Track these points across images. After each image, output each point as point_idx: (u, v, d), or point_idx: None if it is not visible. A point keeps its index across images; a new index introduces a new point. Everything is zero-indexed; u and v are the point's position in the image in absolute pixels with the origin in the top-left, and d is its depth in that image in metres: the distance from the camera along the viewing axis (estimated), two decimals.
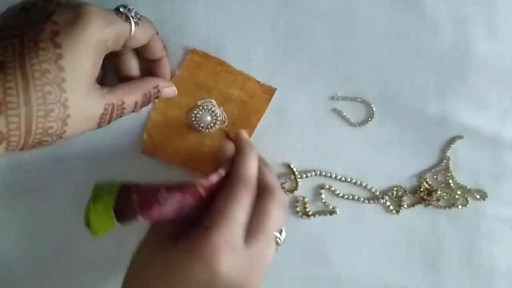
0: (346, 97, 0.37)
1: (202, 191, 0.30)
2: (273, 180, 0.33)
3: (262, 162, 0.34)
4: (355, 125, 0.37)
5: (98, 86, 0.29)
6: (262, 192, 0.31)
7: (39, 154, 0.37)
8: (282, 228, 0.31)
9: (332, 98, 0.37)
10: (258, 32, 0.36)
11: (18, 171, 0.37)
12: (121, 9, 0.30)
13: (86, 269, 0.38)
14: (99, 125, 0.30)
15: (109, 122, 0.30)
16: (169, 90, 0.35)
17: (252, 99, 0.37)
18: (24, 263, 0.38)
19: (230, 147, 0.33)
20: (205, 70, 0.36)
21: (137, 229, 0.31)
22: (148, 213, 0.29)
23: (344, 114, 0.37)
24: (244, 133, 0.35)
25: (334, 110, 0.37)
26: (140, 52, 0.34)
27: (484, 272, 0.39)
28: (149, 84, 0.33)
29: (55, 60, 0.26)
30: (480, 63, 0.37)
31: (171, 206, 0.29)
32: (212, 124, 0.37)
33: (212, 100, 0.37)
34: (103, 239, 0.32)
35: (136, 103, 0.32)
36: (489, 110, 0.37)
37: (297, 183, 0.38)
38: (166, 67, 0.35)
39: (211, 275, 0.27)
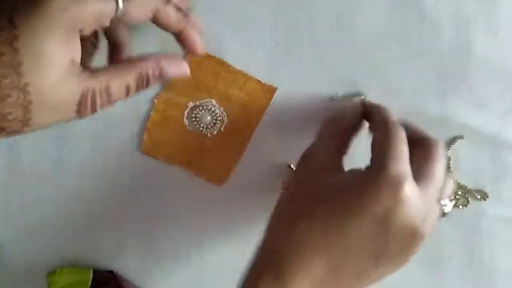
0: (346, 97, 0.37)
1: None
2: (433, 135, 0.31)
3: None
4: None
5: (76, 69, 0.26)
6: (424, 140, 0.30)
7: (38, 154, 0.37)
8: (452, 199, 0.31)
9: (332, 98, 0.37)
10: (258, 31, 0.36)
11: (15, 171, 0.37)
12: None
13: None
14: (79, 114, 0.27)
15: (93, 110, 0.27)
16: (176, 69, 0.29)
17: (253, 99, 0.37)
18: None
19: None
20: (205, 70, 0.36)
21: None
22: None
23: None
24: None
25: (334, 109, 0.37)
26: (159, 26, 0.29)
27: (485, 272, 0.38)
28: (145, 64, 0.28)
29: (9, 42, 0.24)
30: (480, 63, 0.37)
31: None
32: (212, 124, 0.37)
33: (212, 100, 0.37)
34: None
35: (127, 86, 0.27)
36: (489, 110, 0.37)
37: None
38: (190, 40, 0.30)
39: (396, 200, 0.26)
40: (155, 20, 0.28)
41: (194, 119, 0.37)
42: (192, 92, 0.36)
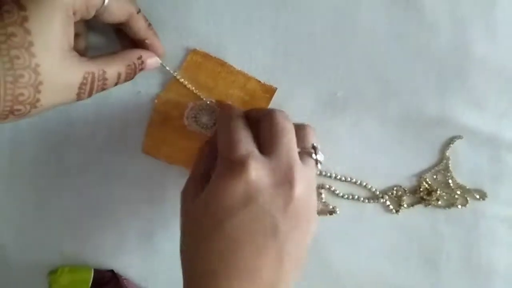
0: (346, 97, 0.37)
1: None
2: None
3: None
4: (355, 125, 0.38)
5: (75, 53, 0.28)
6: (262, 115, 0.30)
7: (38, 154, 0.37)
8: (315, 145, 0.30)
9: (332, 98, 0.37)
10: (259, 32, 0.36)
11: (16, 171, 0.37)
12: None
13: None
14: (79, 97, 0.28)
15: (90, 94, 0.29)
16: (152, 60, 0.33)
17: (253, 99, 0.37)
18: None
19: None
20: (206, 71, 0.36)
21: None
22: None
23: (343, 114, 0.37)
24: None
25: (334, 109, 0.37)
26: (124, 30, 0.33)
27: (483, 272, 0.39)
28: (133, 55, 0.32)
29: (20, 23, 0.25)
30: (479, 63, 0.37)
31: None
32: (212, 124, 0.37)
33: (213, 100, 0.37)
34: None
35: (119, 74, 0.30)
36: (488, 110, 0.37)
37: None
38: (154, 48, 0.34)
39: (247, 183, 0.26)
40: (127, 24, 0.31)
41: (194, 119, 0.37)
42: (192, 92, 0.37)
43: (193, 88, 0.36)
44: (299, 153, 0.29)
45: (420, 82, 0.37)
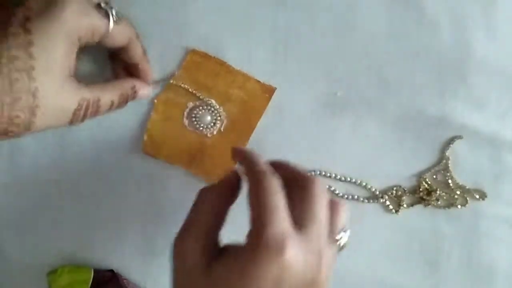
0: (346, 97, 0.37)
1: None
2: (309, 173, 0.30)
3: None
4: (354, 125, 0.38)
5: (74, 79, 0.28)
6: (300, 180, 0.27)
7: (39, 154, 0.37)
8: (346, 229, 0.28)
9: (332, 98, 0.37)
10: (258, 32, 0.36)
11: (16, 171, 0.37)
12: (102, 4, 0.29)
13: None
14: (72, 122, 0.29)
15: (83, 120, 0.29)
16: (145, 92, 0.34)
17: (252, 99, 0.37)
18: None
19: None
20: (205, 70, 0.36)
21: None
22: None
23: (343, 114, 0.37)
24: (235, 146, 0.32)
25: (334, 109, 0.37)
26: (120, 55, 0.33)
27: (483, 272, 0.39)
28: (127, 84, 0.33)
29: (24, 47, 0.25)
30: (479, 63, 0.37)
31: None
32: (212, 124, 0.37)
33: (212, 100, 0.37)
34: None
35: (112, 102, 0.31)
36: (488, 110, 0.37)
37: None
38: (145, 74, 0.34)
39: (281, 268, 0.24)
40: (125, 49, 0.32)
41: (194, 119, 0.37)
42: (192, 92, 0.37)
43: (193, 88, 0.36)
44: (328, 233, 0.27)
45: (420, 82, 0.37)
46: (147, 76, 0.35)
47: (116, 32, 0.30)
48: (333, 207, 0.28)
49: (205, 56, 0.36)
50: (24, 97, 0.25)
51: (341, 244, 0.28)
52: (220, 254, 0.26)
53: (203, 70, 0.36)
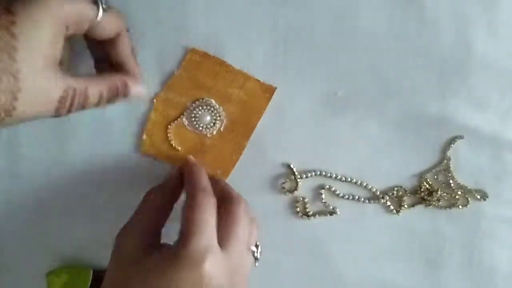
0: (346, 97, 0.37)
1: None
2: (237, 192, 0.33)
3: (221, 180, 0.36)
4: (355, 125, 0.37)
5: (59, 68, 0.27)
6: (227, 201, 0.31)
7: (38, 154, 0.37)
8: (258, 243, 0.33)
9: (332, 97, 0.37)
10: (258, 31, 0.36)
11: (15, 171, 0.37)
12: None
13: None
14: (57, 112, 0.27)
15: (69, 111, 0.28)
16: (139, 89, 0.32)
17: (252, 99, 0.37)
18: None
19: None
20: (205, 70, 0.36)
21: None
22: None
23: (344, 114, 0.37)
24: (189, 157, 0.37)
25: (334, 109, 0.37)
26: (107, 51, 0.32)
27: (485, 272, 0.38)
28: (116, 78, 0.31)
29: (6, 26, 0.24)
30: (480, 62, 0.37)
31: None
32: (212, 124, 0.37)
33: (212, 100, 0.37)
34: None
35: (101, 94, 0.29)
36: (489, 110, 0.37)
37: (297, 183, 0.38)
38: (133, 74, 0.32)
39: (199, 276, 0.27)
40: (113, 43, 0.31)
41: (193, 119, 0.37)
42: (192, 92, 0.36)
43: (193, 87, 0.36)
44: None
45: (421, 82, 0.37)
46: (137, 78, 0.33)
47: (105, 21, 0.29)
48: (251, 223, 0.32)
49: (205, 55, 0.36)
50: (4, 78, 0.24)
51: (257, 256, 0.33)
52: (156, 249, 0.29)
53: (203, 69, 0.36)
